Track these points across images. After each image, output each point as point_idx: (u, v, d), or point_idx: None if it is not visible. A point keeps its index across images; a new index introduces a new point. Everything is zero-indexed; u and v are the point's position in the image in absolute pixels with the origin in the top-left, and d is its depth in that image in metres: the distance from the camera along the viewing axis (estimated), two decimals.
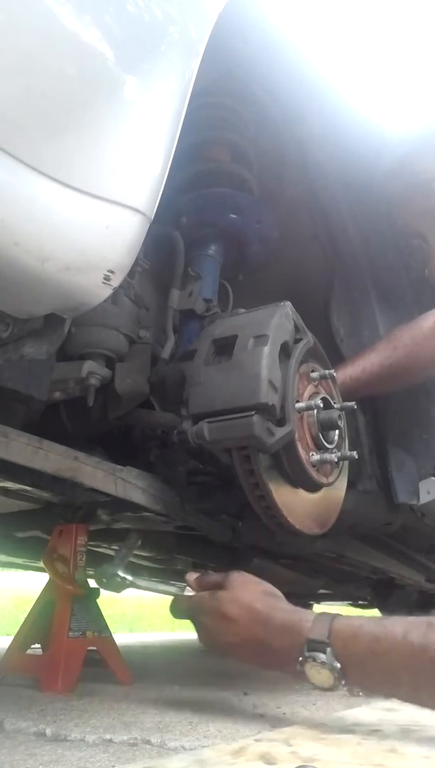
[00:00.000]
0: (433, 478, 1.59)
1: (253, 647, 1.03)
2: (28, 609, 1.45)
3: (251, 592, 1.07)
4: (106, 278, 0.80)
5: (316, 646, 0.95)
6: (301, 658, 0.96)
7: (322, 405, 1.17)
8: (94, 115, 0.73)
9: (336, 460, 1.20)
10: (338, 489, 1.31)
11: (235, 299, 1.53)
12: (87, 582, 1.44)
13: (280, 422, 1.08)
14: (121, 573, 1.18)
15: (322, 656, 0.94)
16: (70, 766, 0.75)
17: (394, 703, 1.23)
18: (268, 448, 1.06)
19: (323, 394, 1.23)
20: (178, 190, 1.37)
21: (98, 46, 0.71)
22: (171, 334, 1.30)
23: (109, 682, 1.40)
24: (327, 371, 1.24)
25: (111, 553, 2.09)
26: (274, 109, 1.40)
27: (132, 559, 1.74)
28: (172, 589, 1.25)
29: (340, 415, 1.23)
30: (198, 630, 1.11)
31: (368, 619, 0.98)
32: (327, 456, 1.18)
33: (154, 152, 0.80)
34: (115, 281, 0.81)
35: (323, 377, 1.23)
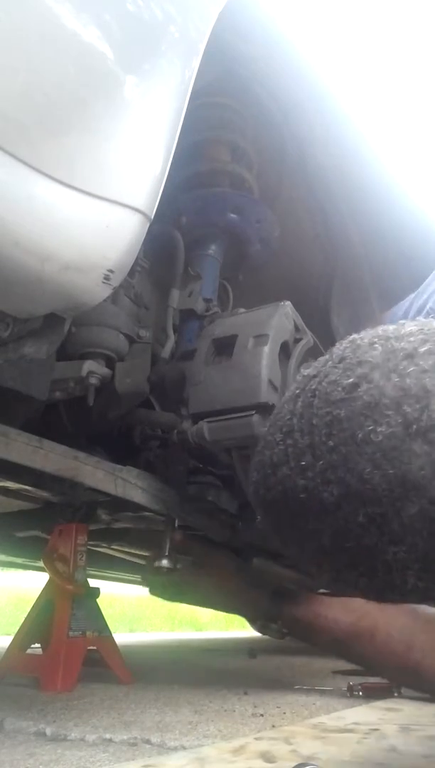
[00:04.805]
0: None
1: None
2: (28, 609, 1.45)
3: None
4: (106, 278, 0.80)
5: None
6: None
7: None
8: (94, 114, 0.73)
9: None
10: None
11: (235, 299, 1.53)
12: (87, 582, 1.44)
13: None
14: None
15: None
16: (70, 766, 0.75)
17: (394, 703, 1.23)
18: None
19: None
20: (178, 189, 1.37)
21: (98, 46, 0.71)
22: (171, 333, 1.30)
23: (109, 682, 1.40)
24: None
25: (110, 553, 2.09)
26: (275, 109, 1.40)
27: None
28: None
29: None
30: None
31: None
32: None
33: (154, 152, 0.80)
34: (115, 281, 0.81)
35: None
